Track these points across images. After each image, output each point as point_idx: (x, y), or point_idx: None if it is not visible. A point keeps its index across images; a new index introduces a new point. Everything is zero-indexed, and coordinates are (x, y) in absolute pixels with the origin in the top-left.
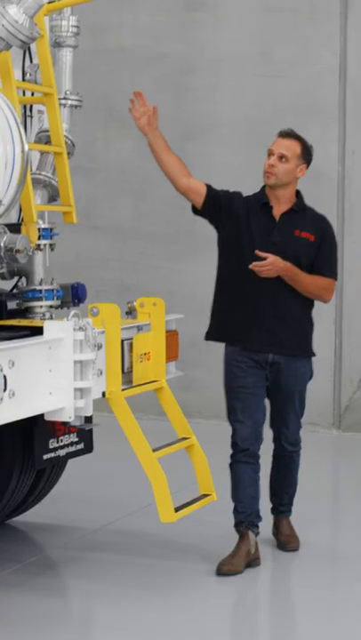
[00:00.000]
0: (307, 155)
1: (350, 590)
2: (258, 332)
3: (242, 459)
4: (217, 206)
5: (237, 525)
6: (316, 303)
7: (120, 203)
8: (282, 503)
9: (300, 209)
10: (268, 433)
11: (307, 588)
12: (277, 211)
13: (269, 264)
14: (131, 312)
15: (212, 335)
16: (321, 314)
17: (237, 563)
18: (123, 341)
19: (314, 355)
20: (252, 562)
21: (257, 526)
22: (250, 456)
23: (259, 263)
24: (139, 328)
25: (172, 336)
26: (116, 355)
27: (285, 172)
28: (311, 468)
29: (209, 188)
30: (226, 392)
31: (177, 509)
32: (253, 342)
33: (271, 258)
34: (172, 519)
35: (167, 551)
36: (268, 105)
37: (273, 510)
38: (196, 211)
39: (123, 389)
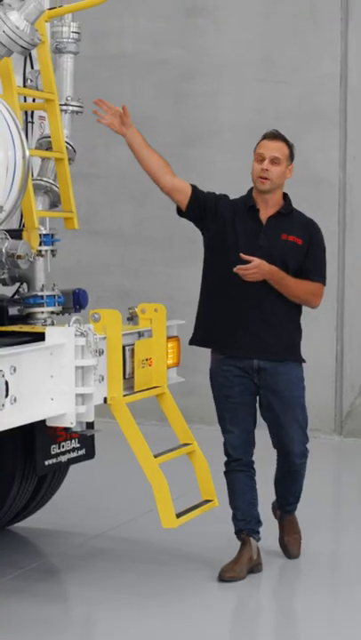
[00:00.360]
0: (293, 155)
1: (352, 596)
2: (243, 336)
3: (235, 468)
4: (202, 207)
5: (238, 533)
6: (317, 311)
7: (121, 208)
8: (288, 503)
9: (287, 212)
10: (265, 438)
11: (309, 595)
12: (264, 214)
13: (254, 267)
14: (132, 318)
15: (195, 340)
16: (322, 320)
17: (239, 569)
18: (124, 347)
19: (303, 361)
20: (255, 568)
21: (258, 532)
22: (243, 465)
23: (243, 266)
24: (140, 334)
25: (173, 342)
26: (118, 360)
27: (279, 175)
28: (313, 474)
29: (194, 188)
30: (214, 401)
31: (179, 515)
32: (238, 348)
33: (256, 261)
34: (173, 525)
35: (168, 557)
36: (269, 111)
37: (279, 507)
38: (180, 212)
39: (124, 395)
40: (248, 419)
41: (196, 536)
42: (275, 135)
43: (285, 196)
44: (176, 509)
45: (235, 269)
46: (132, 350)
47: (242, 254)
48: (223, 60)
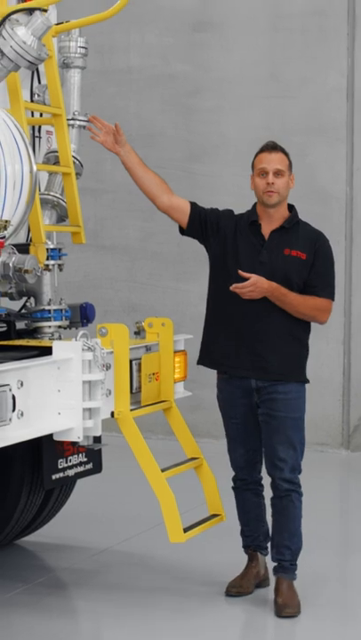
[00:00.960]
0: (291, 163)
1: (359, 609)
2: (241, 356)
3: (241, 486)
4: (203, 225)
5: (245, 548)
6: (324, 325)
7: (128, 223)
8: (284, 559)
9: (291, 225)
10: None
11: (315, 608)
12: (267, 229)
13: (251, 285)
14: (139, 332)
15: (200, 359)
16: (329, 333)
17: (247, 584)
18: (131, 361)
19: (306, 381)
20: (262, 582)
21: (266, 548)
22: (248, 483)
23: (240, 285)
24: (147, 348)
25: (180, 356)
26: (125, 375)
27: (284, 187)
28: (320, 488)
29: (193, 205)
30: (222, 418)
31: (186, 530)
32: (237, 367)
33: (253, 278)
34: (181, 539)
35: (176, 572)
36: (275, 125)
37: (275, 570)
38: (182, 231)
39: (131, 409)
40: (252, 439)
41: (204, 551)
42: (274, 147)
43: (291, 207)
44: (183, 524)
45: (231, 288)
46: (140, 364)
47: (240, 272)
48: (230, 75)
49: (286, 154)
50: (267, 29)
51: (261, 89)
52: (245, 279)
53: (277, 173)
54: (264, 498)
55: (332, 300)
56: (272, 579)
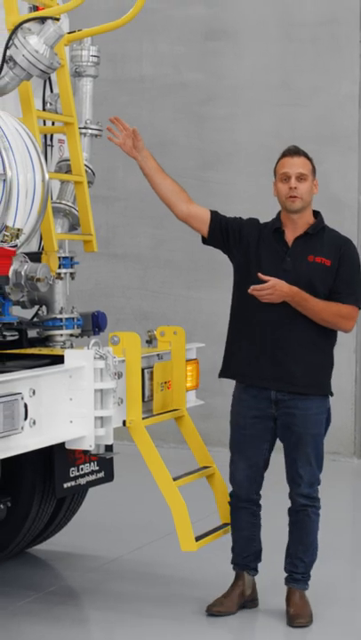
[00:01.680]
0: (315, 168)
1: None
2: (262, 365)
3: (238, 504)
4: (224, 234)
5: (233, 565)
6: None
7: (140, 231)
8: (296, 572)
9: (315, 232)
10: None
11: (327, 618)
12: (291, 236)
13: (269, 287)
14: (151, 341)
15: (222, 372)
16: (341, 342)
17: (229, 603)
18: (143, 370)
19: (331, 394)
20: (248, 603)
21: (254, 568)
22: (245, 501)
23: (258, 286)
24: (159, 356)
25: (192, 364)
26: (137, 383)
27: (307, 192)
28: (332, 497)
29: (214, 214)
30: (230, 429)
31: (197, 538)
32: (257, 377)
33: (273, 281)
34: (192, 548)
35: (188, 581)
36: (287, 134)
37: (286, 580)
38: (204, 240)
39: (143, 418)
40: (257, 456)
41: (216, 560)
42: (296, 151)
43: (317, 214)
44: (195, 533)
45: (249, 290)
46: (152, 373)
47: (259, 274)
48: (242, 83)
49: (309, 158)
50: (279, 37)
51: (274, 97)
52: (265, 282)
53: (300, 178)
54: (260, 518)
55: (358, 307)
56: (282, 588)
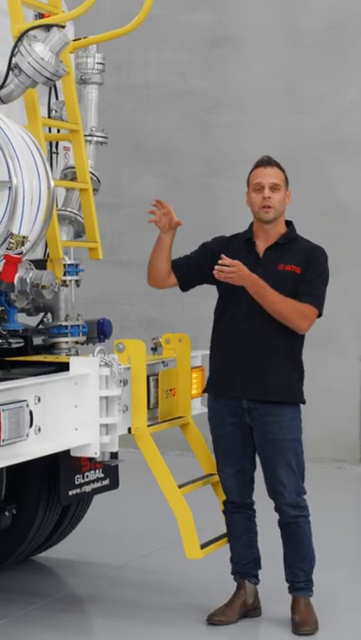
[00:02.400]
0: (287, 179)
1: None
2: (235, 377)
3: (231, 509)
4: (196, 269)
5: (234, 575)
6: (341, 340)
7: (145, 238)
8: (298, 580)
9: (286, 241)
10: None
11: (333, 626)
12: (262, 246)
13: (233, 265)
14: (156, 348)
15: (205, 387)
16: (346, 350)
17: (230, 613)
18: (148, 377)
19: (302, 402)
20: (250, 612)
21: (255, 576)
22: (239, 506)
23: (219, 267)
24: (165, 364)
25: (197, 372)
26: (142, 391)
27: (280, 202)
28: (337, 504)
29: (174, 263)
30: (212, 438)
31: (203, 546)
32: (230, 388)
33: (234, 262)
34: (198, 556)
35: (194, 588)
36: (293, 141)
37: (290, 589)
38: (183, 289)
39: (148, 425)
40: (243, 460)
41: (222, 567)
42: (269, 162)
43: (290, 223)
44: (201, 540)
45: (214, 272)
46: (157, 380)
47: (222, 255)
48: (247, 90)
49: (282, 169)
50: (284, 44)
51: (279, 104)
52: (225, 261)
53: (274, 188)
54: (256, 524)
55: (317, 308)
56: (285, 596)
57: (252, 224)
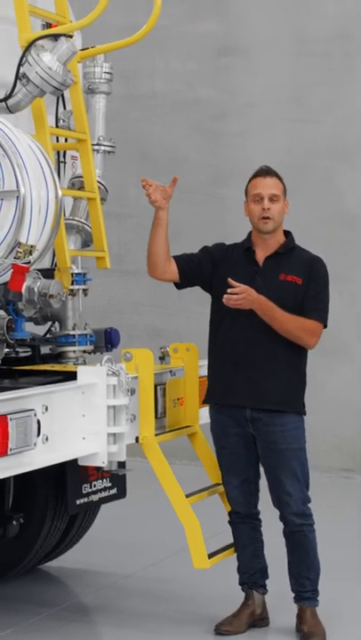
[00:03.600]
0: (286, 188)
1: None
2: (238, 385)
3: (236, 520)
4: (196, 267)
5: (241, 585)
6: (348, 348)
7: None
8: (304, 590)
9: (286, 251)
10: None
11: (341, 636)
12: (261, 255)
13: (242, 291)
14: (164, 357)
15: (205, 397)
16: (353, 358)
17: (238, 623)
18: (156, 386)
19: (304, 413)
20: (259, 622)
21: (263, 585)
22: (244, 517)
23: (227, 296)
24: (172, 373)
25: (205, 381)
26: (150, 400)
27: (279, 213)
28: (345, 514)
29: (177, 257)
30: (215, 449)
31: (210, 555)
32: (232, 396)
33: (243, 287)
34: (205, 565)
35: (201, 598)
36: (300, 149)
37: (295, 599)
38: (178, 285)
39: (156, 434)
40: (248, 470)
41: (229, 577)
42: (267, 172)
43: (288, 233)
44: (208, 550)
45: (223, 299)
46: (164, 389)
47: (229, 279)
48: (254, 99)
49: (280, 179)
50: (291, 53)
51: (286, 113)
52: (234, 289)
53: (273, 199)
54: (262, 534)
55: (322, 323)
56: (292, 606)
57: (250, 233)
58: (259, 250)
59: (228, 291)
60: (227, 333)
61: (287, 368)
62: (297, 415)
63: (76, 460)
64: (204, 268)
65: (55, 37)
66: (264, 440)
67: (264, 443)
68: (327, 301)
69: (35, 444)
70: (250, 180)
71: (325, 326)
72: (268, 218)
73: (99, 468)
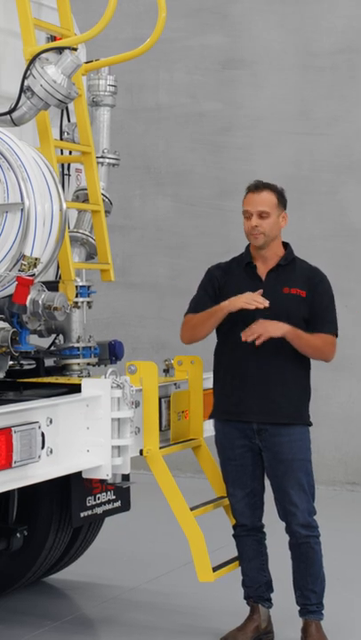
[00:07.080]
0: (283, 200)
1: None
2: (247, 400)
3: (242, 533)
4: (215, 302)
5: (247, 599)
6: (351, 360)
7: (157, 260)
8: (310, 603)
9: (287, 263)
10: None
11: None
12: (263, 269)
13: (259, 326)
14: (168, 370)
15: (212, 413)
16: (359, 371)
17: (243, 637)
18: (160, 399)
19: (310, 424)
20: (264, 636)
21: (268, 599)
22: (249, 530)
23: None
24: (176, 385)
25: (209, 394)
26: (154, 412)
27: (271, 227)
28: (350, 528)
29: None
30: (220, 461)
31: (215, 569)
32: (242, 413)
33: (258, 322)
34: (210, 579)
35: (205, 611)
36: (305, 163)
37: (301, 612)
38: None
39: (160, 447)
40: (253, 482)
41: (233, 590)
42: (257, 187)
43: (286, 245)
44: (212, 563)
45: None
46: (169, 402)
47: (242, 333)
48: (260, 112)
49: (275, 191)
50: (296, 66)
51: (292, 126)
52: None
53: (261, 215)
54: (266, 547)
55: (336, 334)
56: (297, 620)
57: (248, 247)
58: (259, 264)
59: (246, 330)
60: (234, 349)
61: (295, 382)
62: (303, 426)
63: (80, 473)
64: (216, 299)
65: (60, 50)
66: (270, 450)
67: (270, 453)
68: (335, 312)
69: (39, 457)
70: (245, 195)
71: (337, 336)
72: (257, 234)
73: (103, 481)
